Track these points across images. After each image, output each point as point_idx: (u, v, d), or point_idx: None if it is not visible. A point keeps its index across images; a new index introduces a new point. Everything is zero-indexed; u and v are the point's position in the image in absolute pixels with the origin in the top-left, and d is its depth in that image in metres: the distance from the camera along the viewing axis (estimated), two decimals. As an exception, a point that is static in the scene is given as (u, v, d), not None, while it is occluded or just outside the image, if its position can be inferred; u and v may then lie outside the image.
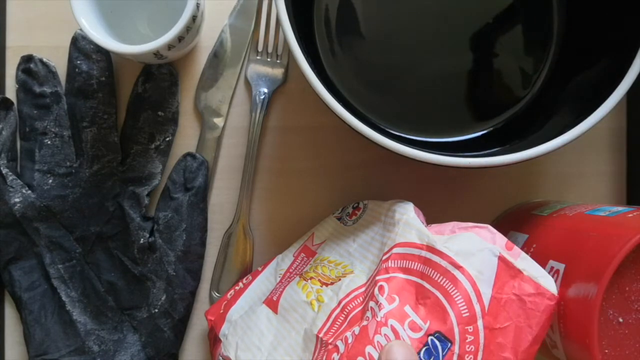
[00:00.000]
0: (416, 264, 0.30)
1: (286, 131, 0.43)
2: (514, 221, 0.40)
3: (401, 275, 0.30)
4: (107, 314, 0.40)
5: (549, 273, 0.30)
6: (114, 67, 0.42)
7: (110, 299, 0.41)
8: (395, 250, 0.31)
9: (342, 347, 0.29)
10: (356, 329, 0.30)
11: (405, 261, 0.31)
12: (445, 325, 0.28)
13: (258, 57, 0.43)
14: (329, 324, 0.31)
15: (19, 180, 0.40)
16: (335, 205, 0.41)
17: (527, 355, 0.28)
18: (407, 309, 0.29)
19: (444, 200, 0.43)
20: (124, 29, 0.41)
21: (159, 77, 0.41)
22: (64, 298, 0.40)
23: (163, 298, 0.40)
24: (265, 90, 0.42)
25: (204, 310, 0.42)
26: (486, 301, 0.28)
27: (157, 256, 0.40)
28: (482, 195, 0.43)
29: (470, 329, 0.28)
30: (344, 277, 0.34)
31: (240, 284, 0.40)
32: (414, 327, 0.28)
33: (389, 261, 0.31)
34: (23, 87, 0.41)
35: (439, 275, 0.29)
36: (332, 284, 0.34)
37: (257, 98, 0.42)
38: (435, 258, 0.30)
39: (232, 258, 0.42)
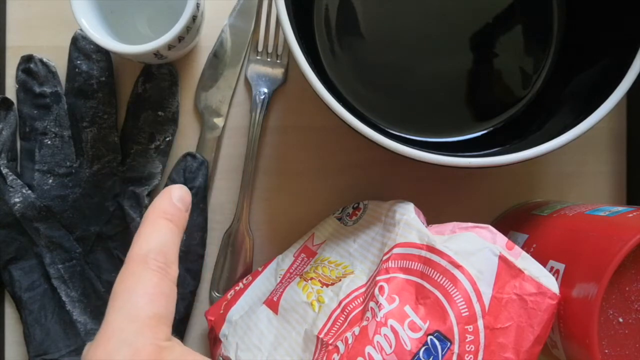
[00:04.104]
0: (416, 264, 0.30)
1: (286, 131, 0.43)
2: (514, 221, 0.40)
3: (401, 276, 0.30)
4: (107, 314, 0.40)
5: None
6: (114, 67, 0.42)
7: (110, 299, 0.40)
8: (395, 250, 0.31)
9: (342, 348, 0.29)
10: (356, 330, 0.30)
11: (405, 261, 0.31)
12: (444, 324, 0.28)
13: (258, 57, 0.43)
14: (329, 324, 0.31)
15: (19, 180, 0.40)
16: (335, 205, 0.41)
17: (529, 356, 0.28)
18: (407, 309, 0.29)
19: (444, 200, 0.43)
20: (124, 29, 0.41)
21: (159, 77, 0.41)
22: (64, 298, 0.40)
23: (163, 298, 0.40)
24: (265, 90, 0.42)
25: (204, 310, 0.42)
26: (486, 301, 0.28)
27: (157, 256, 0.40)
28: (482, 195, 0.43)
29: (470, 328, 0.28)
30: (345, 277, 0.34)
31: (241, 284, 0.40)
32: (413, 327, 0.28)
33: (389, 261, 0.31)
34: (23, 87, 0.41)
35: (438, 274, 0.29)
36: (332, 284, 0.34)
37: (257, 98, 0.42)
38: (435, 257, 0.30)
39: (232, 258, 0.42)
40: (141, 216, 0.41)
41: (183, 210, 0.31)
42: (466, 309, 0.28)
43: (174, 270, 0.28)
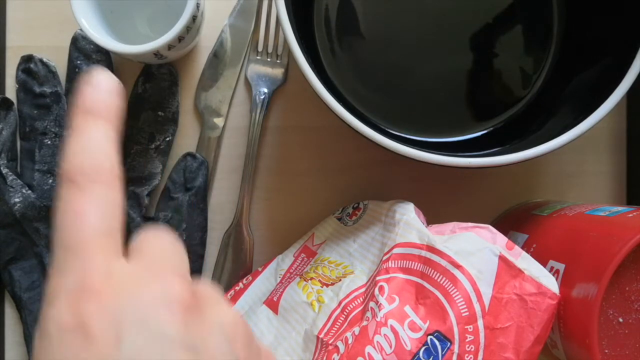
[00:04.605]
0: (416, 264, 0.30)
1: (286, 131, 0.43)
2: (514, 221, 0.40)
3: (401, 276, 0.30)
4: (107, 314, 0.40)
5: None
6: (114, 67, 0.42)
7: (110, 299, 0.40)
8: (395, 250, 0.31)
9: (342, 348, 0.29)
10: (356, 330, 0.30)
11: (405, 261, 0.31)
12: (444, 324, 0.28)
13: (258, 57, 0.43)
14: (329, 324, 0.31)
15: (19, 180, 0.40)
16: (335, 205, 0.41)
17: (529, 356, 0.28)
18: (407, 309, 0.29)
19: (444, 200, 0.43)
20: (124, 29, 0.40)
21: (159, 77, 0.41)
22: (64, 298, 0.40)
23: (163, 298, 0.40)
24: (265, 90, 0.42)
25: (204, 310, 0.42)
26: (486, 301, 0.28)
27: (157, 256, 0.40)
28: (482, 195, 0.43)
29: (470, 328, 0.28)
30: (345, 277, 0.34)
31: (241, 284, 0.40)
32: (413, 327, 0.28)
33: (389, 261, 0.31)
34: (23, 87, 0.41)
35: (438, 274, 0.29)
36: (332, 284, 0.34)
37: (257, 98, 0.42)
38: (435, 257, 0.30)
39: (232, 258, 0.42)
40: (141, 216, 0.41)
41: (115, 99, 0.23)
42: (466, 309, 0.28)
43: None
